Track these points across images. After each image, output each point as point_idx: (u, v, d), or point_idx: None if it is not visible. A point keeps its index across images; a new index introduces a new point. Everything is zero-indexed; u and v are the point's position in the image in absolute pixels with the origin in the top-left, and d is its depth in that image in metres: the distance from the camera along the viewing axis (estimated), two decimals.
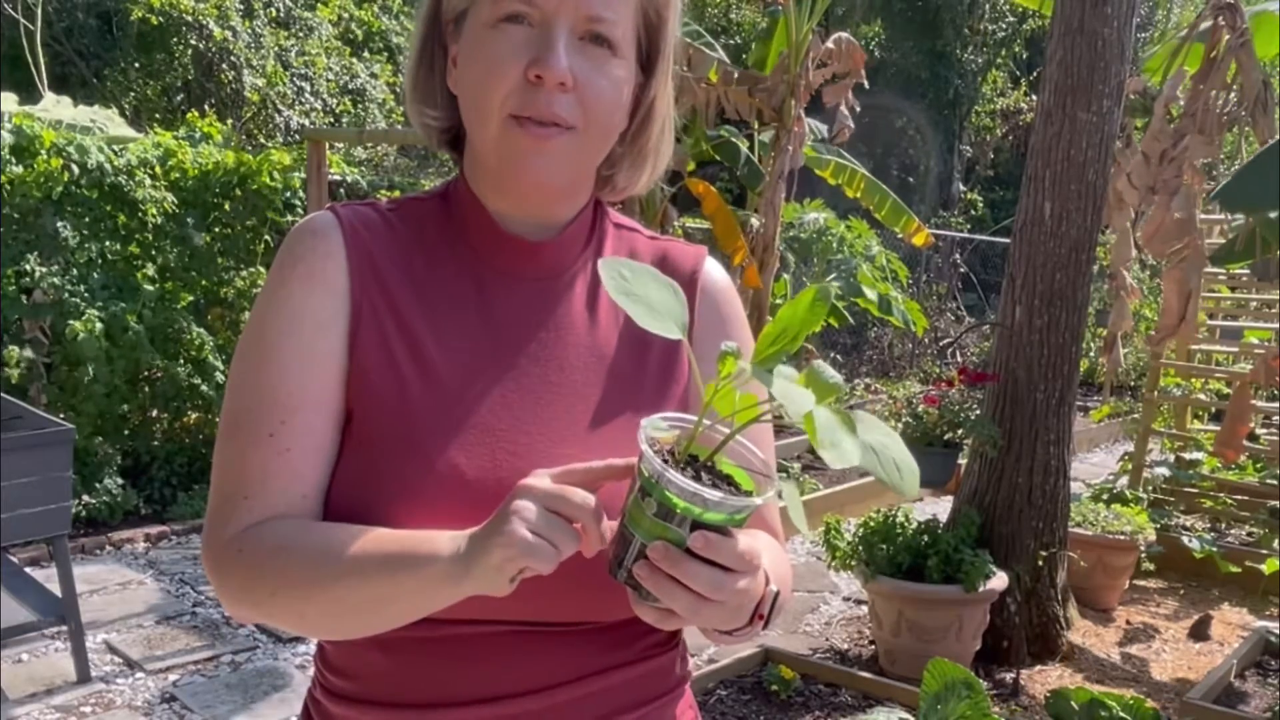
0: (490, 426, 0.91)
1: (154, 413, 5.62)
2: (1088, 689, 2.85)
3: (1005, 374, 4.10)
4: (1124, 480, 5.71)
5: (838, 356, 10.34)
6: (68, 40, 9.39)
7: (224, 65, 9.20)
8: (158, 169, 5.44)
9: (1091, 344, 9.94)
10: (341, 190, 6.82)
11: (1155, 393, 6.01)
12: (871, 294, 8.69)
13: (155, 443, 5.52)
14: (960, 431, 4.17)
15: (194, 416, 5.65)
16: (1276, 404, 5.87)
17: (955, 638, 3.72)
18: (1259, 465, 5.63)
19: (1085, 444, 8.49)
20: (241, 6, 9.33)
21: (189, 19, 8.94)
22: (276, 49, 9.51)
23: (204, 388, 5.40)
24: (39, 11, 8.21)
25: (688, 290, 1.00)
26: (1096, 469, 7.44)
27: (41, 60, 8.12)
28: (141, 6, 8.75)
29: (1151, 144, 4.54)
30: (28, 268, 4.86)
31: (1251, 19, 4.53)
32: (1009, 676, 3.78)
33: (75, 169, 5.03)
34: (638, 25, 0.96)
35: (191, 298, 5.53)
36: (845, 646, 4.15)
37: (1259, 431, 6.23)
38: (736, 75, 6.22)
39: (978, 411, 4.21)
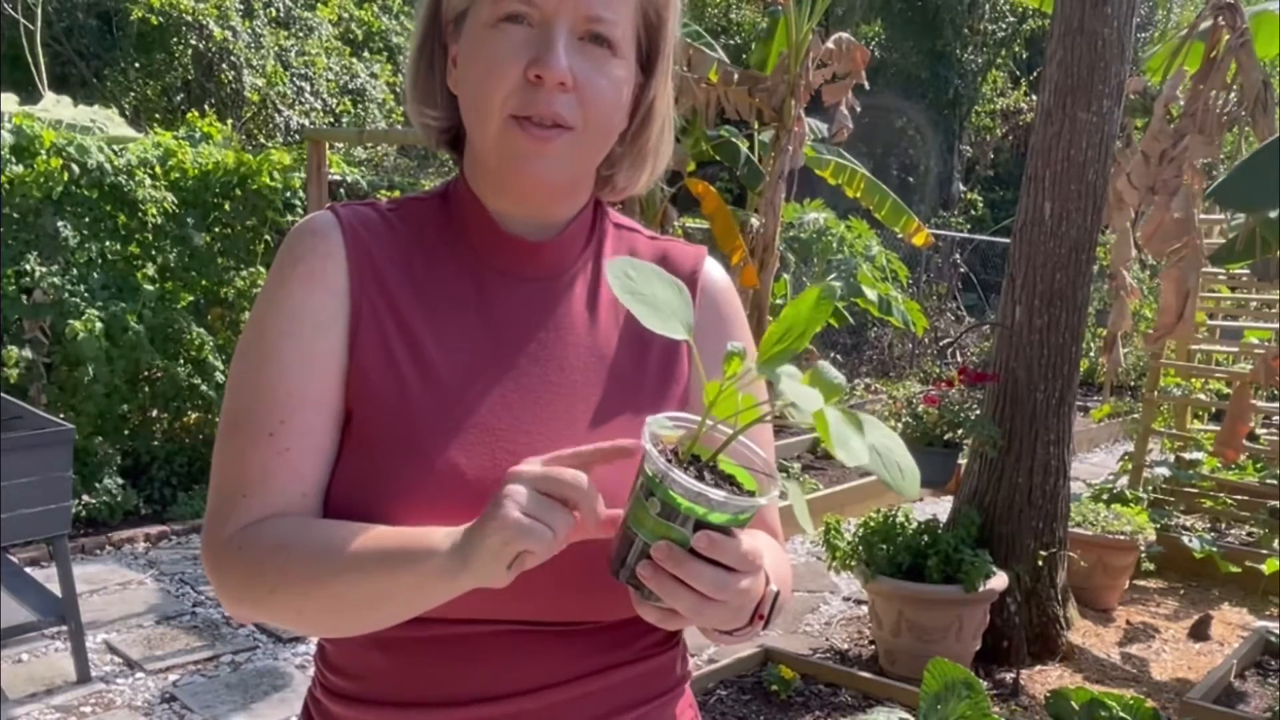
0: (490, 426, 0.91)
1: (154, 413, 5.62)
2: (1088, 689, 2.85)
3: (1005, 374, 4.10)
4: (1124, 480, 5.72)
5: (838, 356, 10.34)
6: (68, 40, 9.39)
7: (224, 65, 9.21)
8: (158, 169, 5.44)
9: (1091, 344, 9.94)
10: (341, 190, 6.82)
11: (1155, 393, 6.01)
12: (871, 294, 8.69)
13: (155, 443, 5.53)
14: (960, 431, 4.17)
15: (194, 416, 5.66)
16: (1276, 404, 5.87)
17: (955, 638, 3.72)
18: (1259, 465, 5.63)
19: (1085, 444, 8.49)
20: (241, 6, 9.33)
21: (189, 19, 8.94)
22: (276, 49, 9.52)
23: (204, 388, 5.40)
24: (39, 11, 8.21)
25: (688, 290, 1.00)
26: (1096, 469, 7.44)
27: (41, 60, 8.12)
28: (141, 6, 8.76)
29: (1151, 144, 4.54)
30: (28, 268, 4.86)
31: (1251, 19, 4.53)
32: (1009, 676, 3.78)
33: (75, 169, 5.03)
34: (638, 25, 0.96)
35: (191, 298, 5.53)
36: (845, 646, 4.15)
37: (1259, 431, 6.24)
38: (736, 75, 6.22)
39: (978, 411, 4.21)
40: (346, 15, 10.57)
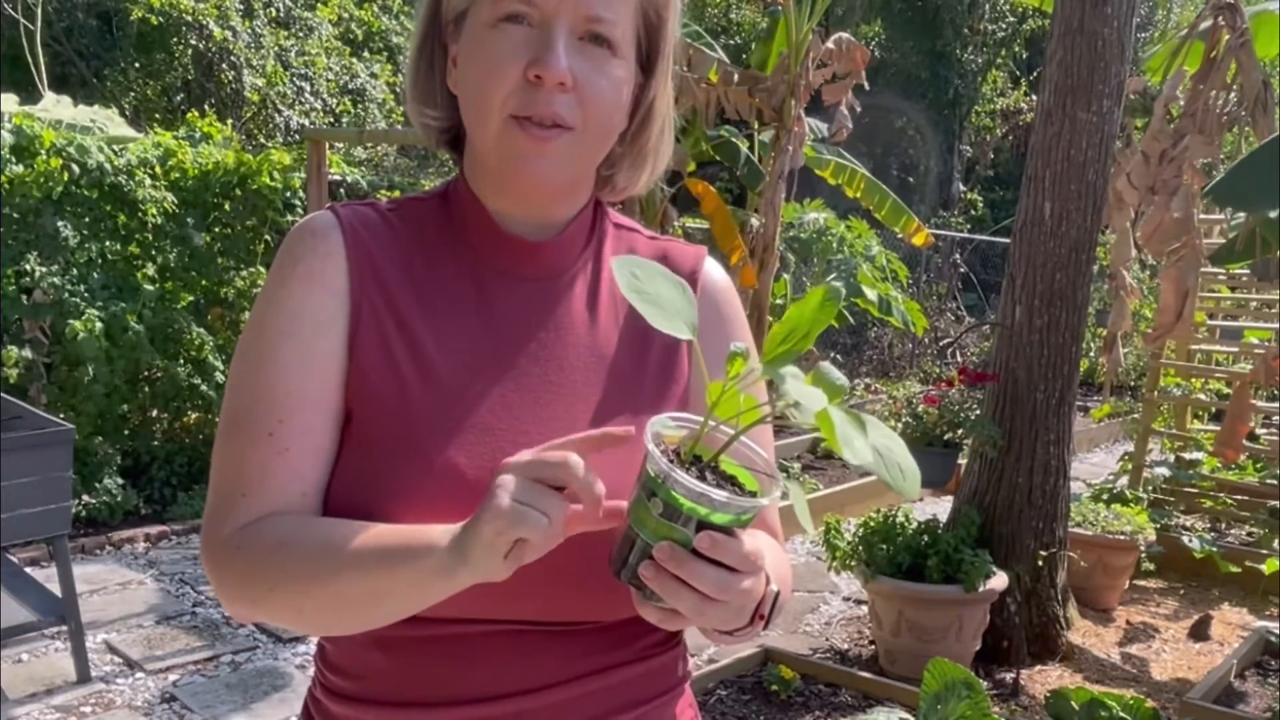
0: (490, 426, 0.91)
1: (154, 413, 5.62)
2: (1088, 689, 2.85)
3: (1005, 374, 4.10)
4: (1124, 480, 5.72)
5: (838, 356, 10.34)
6: (68, 40, 9.39)
7: (224, 65, 9.21)
8: (158, 169, 5.44)
9: (1091, 344, 9.94)
10: (341, 190, 6.82)
11: (1155, 393, 6.01)
12: (871, 294, 8.69)
13: (155, 443, 5.53)
14: (960, 431, 4.17)
15: (194, 416, 5.66)
16: (1276, 404, 5.87)
17: (955, 638, 3.72)
18: (1259, 465, 5.64)
19: (1085, 444, 8.49)
20: (241, 6, 9.33)
21: (189, 19, 8.94)
22: (276, 49, 9.52)
23: (204, 388, 5.40)
24: (39, 11, 8.21)
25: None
26: (1096, 469, 7.44)
27: (41, 60, 8.12)
28: (141, 6, 8.76)
29: (1151, 144, 4.55)
30: (28, 268, 4.86)
31: (1251, 19, 4.53)
32: (1009, 676, 3.78)
33: (75, 169, 5.03)
34: (638, 25, 0.96)
35: (191, 298, 5.53)
36: (845, 646, 4.15)
37: (1259, 431, 6.24)
38: (736, 75, 6.22)
39: (978, 411, 4.21)
40: (346, 15, 10.57)
